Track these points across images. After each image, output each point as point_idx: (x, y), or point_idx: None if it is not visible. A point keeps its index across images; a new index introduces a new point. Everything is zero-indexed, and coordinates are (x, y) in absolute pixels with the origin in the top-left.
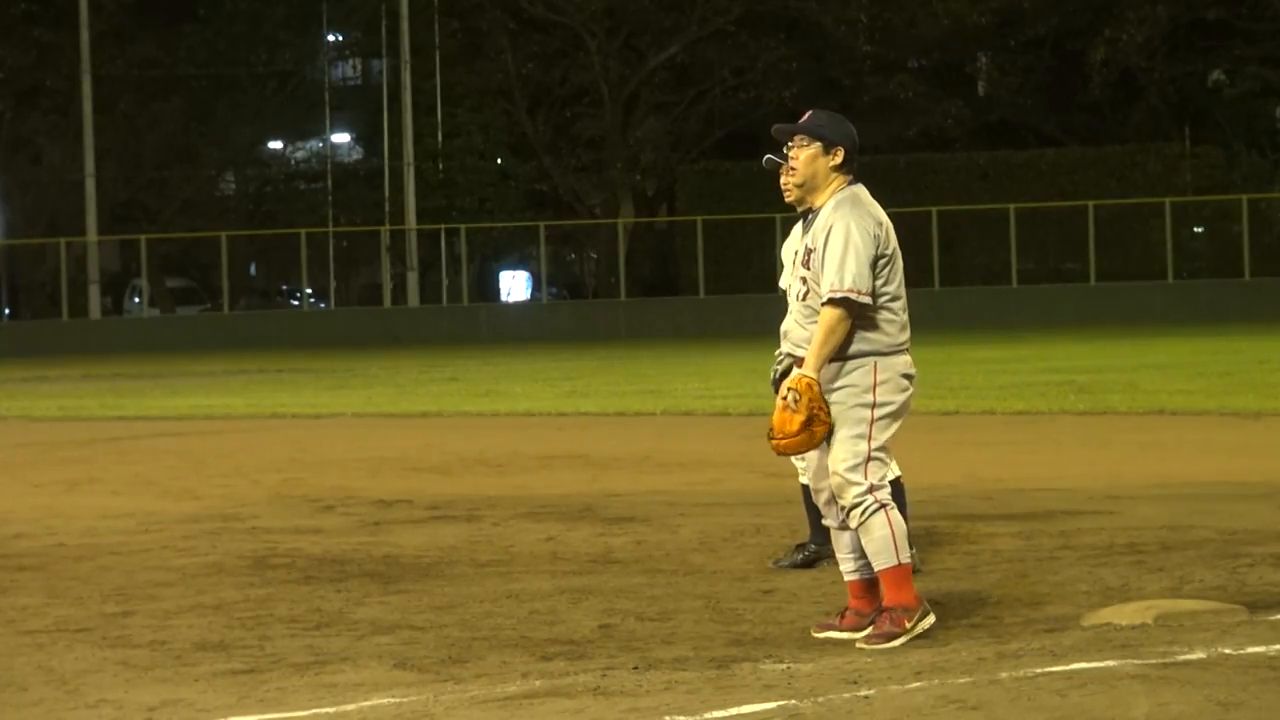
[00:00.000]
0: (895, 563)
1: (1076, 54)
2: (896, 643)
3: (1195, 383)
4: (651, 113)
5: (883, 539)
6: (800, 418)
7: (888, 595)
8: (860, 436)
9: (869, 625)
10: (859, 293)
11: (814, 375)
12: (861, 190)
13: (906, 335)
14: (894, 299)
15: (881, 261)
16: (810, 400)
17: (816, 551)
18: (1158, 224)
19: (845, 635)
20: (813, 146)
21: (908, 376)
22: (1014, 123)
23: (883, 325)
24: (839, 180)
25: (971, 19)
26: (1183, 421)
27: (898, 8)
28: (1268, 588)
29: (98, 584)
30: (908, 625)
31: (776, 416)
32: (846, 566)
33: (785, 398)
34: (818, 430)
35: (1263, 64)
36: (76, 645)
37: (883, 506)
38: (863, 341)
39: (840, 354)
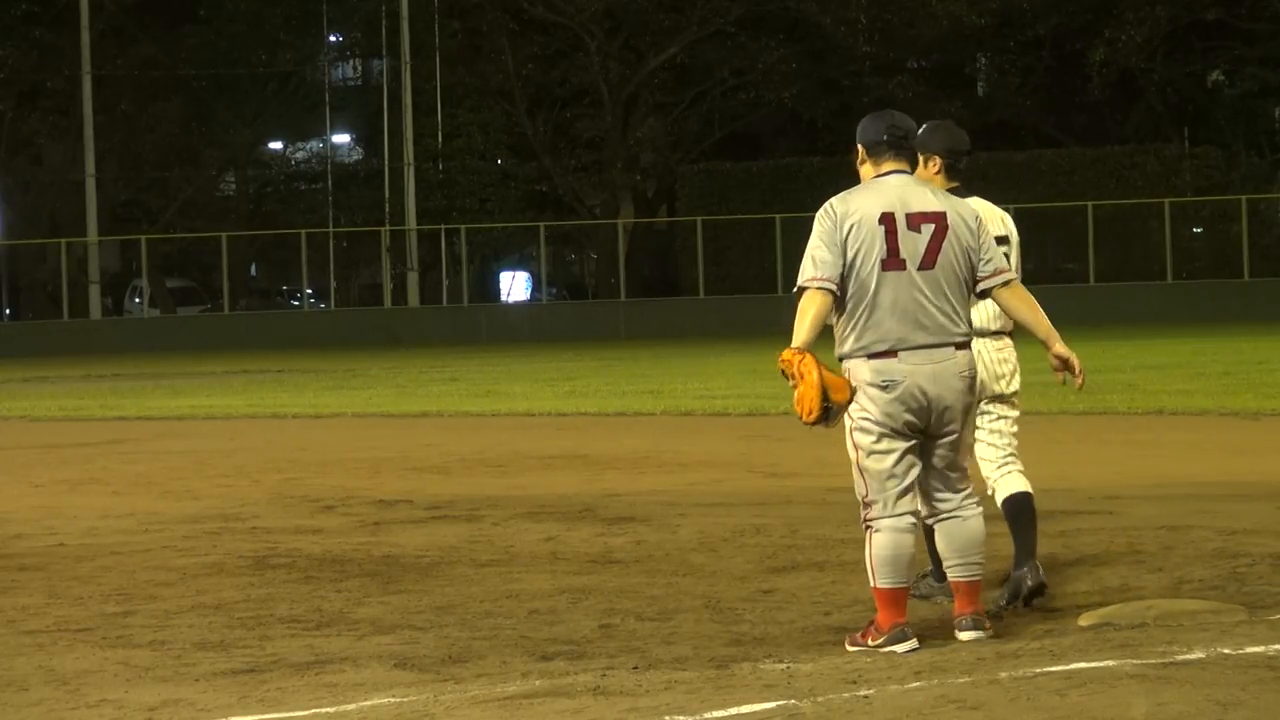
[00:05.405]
0: (872, 583)
1: (1076, 54)
2: (852, 649)
3: (1194, 383)
4: (651, 113)
5: (867, 559)
6: (792, 380)
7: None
8: (850, 442)
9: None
10: (811, 279)
11: (792, 347)
12: (870, 184)
13: (875, 335)
14: (857, 299)
15: (844, 252)
16: (786, 362)
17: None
18: (1157, 224)
19: (972, 635)
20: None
21: (881, 386)
22: (1013, 123)
23: (849, 324)
24: (863, 175)
25: (970, 19)
26: (1182, 421)
27: (897, 8)
28: (1267, 588)
29: (98, 584)
30: (869, 643)
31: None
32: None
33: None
34: (802, 391)
35: (1262, 64)
36: (77, 645)
37: (867, 527)
38: (840, 342)
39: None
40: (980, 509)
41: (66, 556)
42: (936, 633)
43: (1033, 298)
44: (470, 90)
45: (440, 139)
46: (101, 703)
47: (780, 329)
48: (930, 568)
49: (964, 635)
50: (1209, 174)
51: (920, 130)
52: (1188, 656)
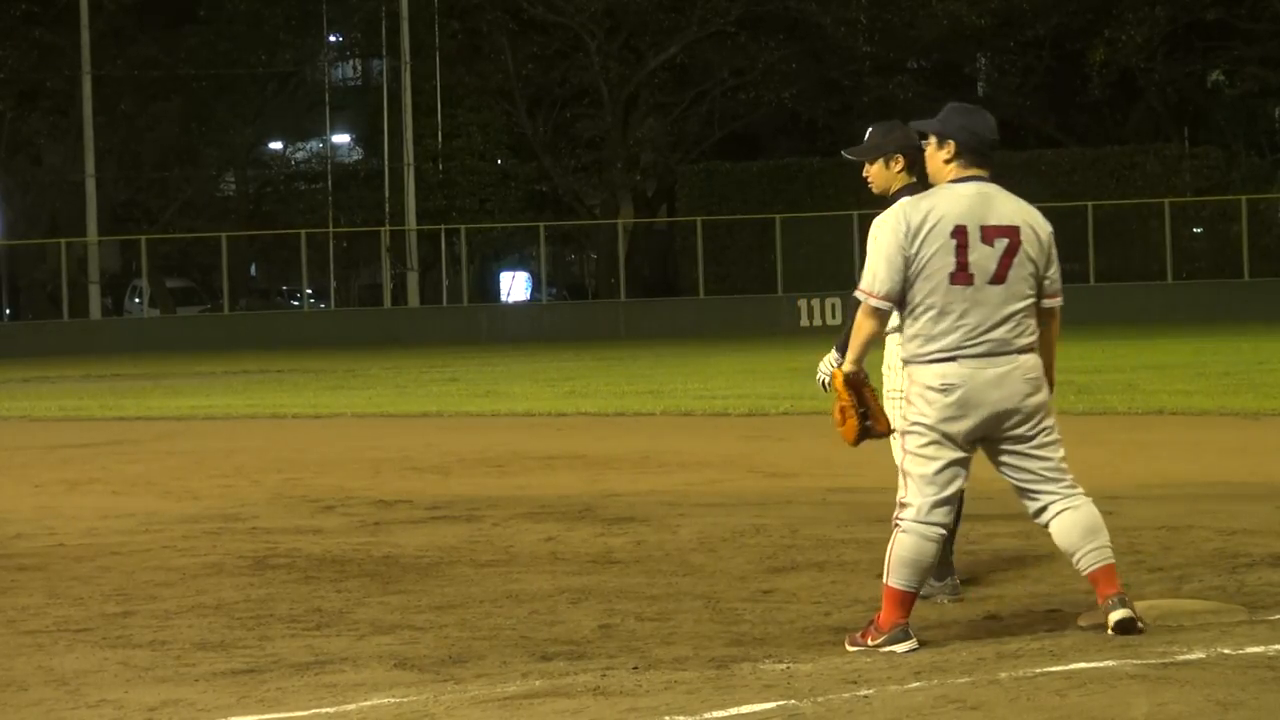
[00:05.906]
0: (884, 580)
1: (1076, 54)
2: (852, 649)
3: (1194, 383)
4: (651, 113)
5: (887, 556)
6: (837, 407)
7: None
8: (900, 444)
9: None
10: (868, 294)
11: (846, 368)
12: (945, 189)
13: (939, 344)
14: (923, 308)
15: (911, 262)
16: (838, 391)
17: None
18: (1157, 224)
19: (1122, 613)
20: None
21: (939, 389)
22: (1013, 123)
23: (912, 331)
24: (900, 181)
25: (970, 19)
26: (1182, 422)
27: (897, 8)
28: (1267, 588)
29: (98, 584)
30: (869, 643)
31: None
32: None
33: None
34: (849, 422)
35: (1262, 64)
36: (77, 645)
37: (896, 526)
38: (903, 346)
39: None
40: (1085, 495)
41: (66, 556)
42: (936, 633)
43: (1053, 337)
44: (470, 90)
45: (440, 139)
46: (101, 703)
47: (780, 329)
48: None
49: (1115, 615)
50: (1209, 174)
51: (876, 130)
52: (1188, 656)
